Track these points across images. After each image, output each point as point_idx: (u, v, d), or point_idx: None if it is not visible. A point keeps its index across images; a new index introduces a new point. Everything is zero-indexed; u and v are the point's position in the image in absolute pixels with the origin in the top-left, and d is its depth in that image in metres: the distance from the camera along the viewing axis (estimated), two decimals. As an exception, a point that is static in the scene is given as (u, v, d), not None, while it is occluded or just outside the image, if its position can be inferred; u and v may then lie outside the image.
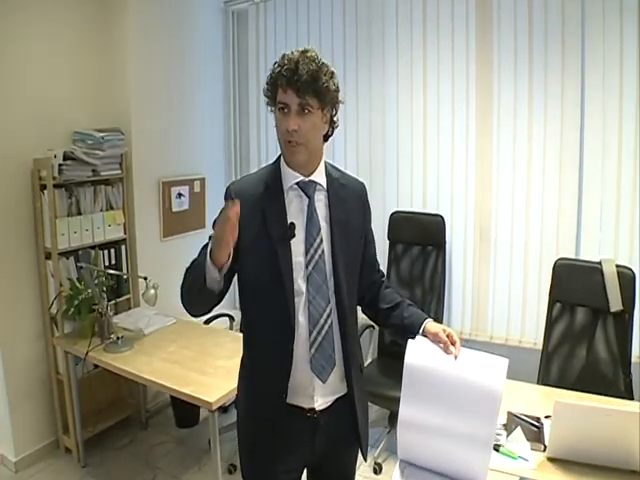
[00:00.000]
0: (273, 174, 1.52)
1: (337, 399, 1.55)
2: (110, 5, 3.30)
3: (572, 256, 2.82)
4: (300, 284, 1.46)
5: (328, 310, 1.48)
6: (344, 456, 1.67)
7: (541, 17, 2.87)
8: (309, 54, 1.38)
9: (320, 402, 1.51)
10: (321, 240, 1.48)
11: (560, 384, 2.34)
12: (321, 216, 1.50)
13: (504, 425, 1.85)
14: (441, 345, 1.42)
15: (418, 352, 1.41)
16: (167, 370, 2.57)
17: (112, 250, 3.28)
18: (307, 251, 1.46)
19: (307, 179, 1.49)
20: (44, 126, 2.99)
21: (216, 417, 2.36)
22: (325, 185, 1.53)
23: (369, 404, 3.43)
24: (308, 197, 1.49)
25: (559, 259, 2.52)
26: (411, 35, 3.31)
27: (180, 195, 3.74)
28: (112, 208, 3.26)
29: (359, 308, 1.69)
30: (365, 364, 3.23)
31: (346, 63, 3.56)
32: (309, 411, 1.50)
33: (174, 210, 3.70)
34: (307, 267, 1.46)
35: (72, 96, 3.17)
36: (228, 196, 1.49)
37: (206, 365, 2.61)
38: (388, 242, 3.45)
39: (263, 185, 1.50)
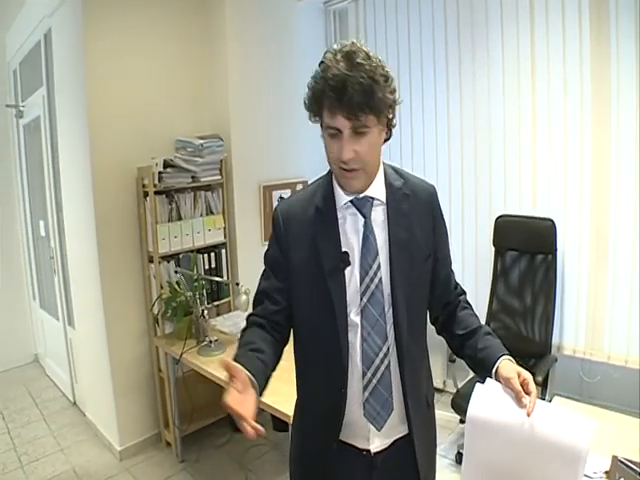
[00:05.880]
0: (325, 192, 1.34)
1: (397, 439, 1.38)
2: (209, 13, 3.40)
3: None
4: (353, 318, 1.29)
5: (385, 349, 1.30)
6: None
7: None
8: (358, 62, 1.13)
9: (377, 444, 1.35)
10: (378, 267, 1.29)
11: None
12: (379, 237, 1.30)
13: (606, 473, 1.58)
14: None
15: (484, 401, 1.20)
16: (254, 377, 2.58)
17: (212, 254, 3.39)
18: (362, 280, 1.28)
19: (362, 195, 1.30)
20: (148, 135, 3.16)
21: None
22: (384, 198, 1.32)
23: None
24: (364, 216, 1.30)
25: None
26: (517, 19, 2.99)
27: (282, 198, 3.76)
28: (212, 213, 3.36)
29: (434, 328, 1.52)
30: (464, 380, 3.02)
31: (448, 57, 3.34)
32: (364, 450, 1.36)
33: (276, 214, 3.71)
34: (362, 298, 1.28)
35: (174, 105, 3.32)
36: (276, 220, 1.37)
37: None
38: (494, 249, 3.20)
39: (314, 206, 1.33)
